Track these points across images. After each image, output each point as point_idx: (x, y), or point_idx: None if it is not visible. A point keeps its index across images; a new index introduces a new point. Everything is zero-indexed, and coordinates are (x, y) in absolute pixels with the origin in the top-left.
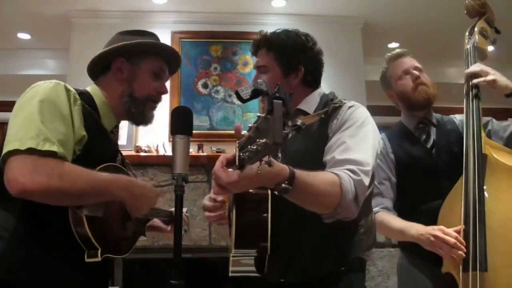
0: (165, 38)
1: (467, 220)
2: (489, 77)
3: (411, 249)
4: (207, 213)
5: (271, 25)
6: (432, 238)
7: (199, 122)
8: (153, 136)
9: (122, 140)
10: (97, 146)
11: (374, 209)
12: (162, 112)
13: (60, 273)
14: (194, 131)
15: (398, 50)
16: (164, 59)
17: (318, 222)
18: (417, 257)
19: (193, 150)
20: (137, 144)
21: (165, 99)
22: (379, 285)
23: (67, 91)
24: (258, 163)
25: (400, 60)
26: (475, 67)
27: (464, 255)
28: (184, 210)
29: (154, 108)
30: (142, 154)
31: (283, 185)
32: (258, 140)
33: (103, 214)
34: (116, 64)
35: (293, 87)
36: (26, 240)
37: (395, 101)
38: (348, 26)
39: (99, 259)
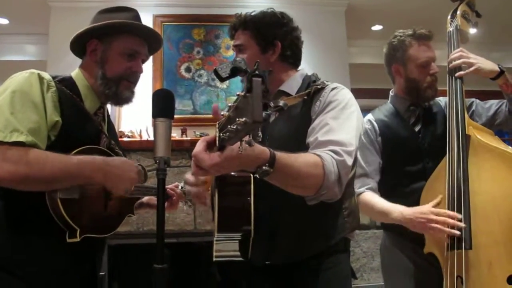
0: (146, 21)
1: (451, 200)
2: (472, 68)
3: (394, 230)
4: (187, 187)
5: (254, 8)
6: (424, 221)
7: (182, 106)
8: (136, 121)
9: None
10: (75, 130)
11: (359, 190)
12: (145, 96)
13: (44, 254)
14: (177, 116)
15: (425, 31)
16: (141, 37)
17: (302, 205)
18: (400, 238)
19: (176, 135)
20: (120, 130)
21: (148, 83)
22: (364, 266)
23: (41, 79)
24: (238, 143)
25: (427, 45)
26: (456, 54)
27: (458, 233)
28: (180, 185)
29: (130, 87)
30: (125, 139)
31: (263, 167)
32: (237, 119)
33: (80, 195)
34: (90, 46)
35: (272, 63)
36: (11, 223)
37: (396, 77)
38: (332, 9)
39: (78, 239)
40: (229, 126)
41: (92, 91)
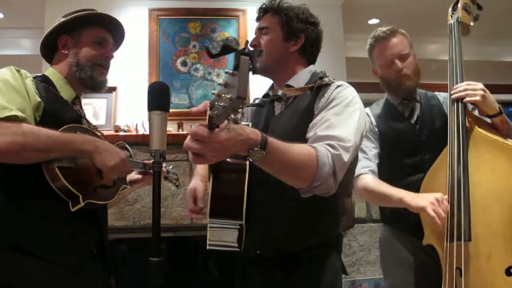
0: (142, 15)
1: (452, 191)
2: (477, 98)
3: (394, 222)
4: (187, 212)
5: (250, 2)
6: (434, 201)
7: (179, 100)
8: (133, 115)
9: (101, 120)
10: (58, 111)
11: (360, 171)
12: (141, 90)
13: (51, 227)
14: (173, 110)
15: (384, 29)
16: (106, 29)
17: (297, 198)
18: (399, 230)
19: (173, 129)
20: (116, 124)
21: (144, 77)
22: (361, 260)
23: (18, 71)
24: (226, 122)
25: (385, 44)
26: (461, 88)
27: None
28: (170, 167)
29: (103, 72)
30: (121, 133)
31: (255, 148)
32: (223, 95)
33: (76, 165)
34: (61, 41)
35: (290, 53)
36: (12, 203)
37: (377, 75)
38: (328, 2)
39: (82, 204)
40: (216, 104)
41: (67, 82)
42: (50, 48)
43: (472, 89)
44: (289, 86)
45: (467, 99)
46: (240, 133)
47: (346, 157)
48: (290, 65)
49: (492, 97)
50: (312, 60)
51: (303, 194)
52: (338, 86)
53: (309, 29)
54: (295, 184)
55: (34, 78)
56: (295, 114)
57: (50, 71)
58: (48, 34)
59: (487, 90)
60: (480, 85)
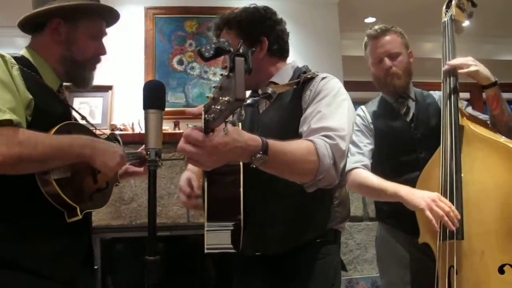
0: (138, 13)
1: (444, 189)
2: (471, 68)
3: (390, 220)
4: (181, 196)
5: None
6: (429, 201)
7: (175, 99)
8: (129, 114)
9: (97, 119)
10: (47, 107)
11: (353, 165)
12: (137, 89)
13: (44, 239)
14: (170, 109)
15: (377, 28)
16: (103, 17)
17: (291, 194)
18: (396, 228)
19: (169, 128)
20: (112, 123)
21: (140, 76)
22: (358, 258)
23: (2, 57)
24: (223, 125)
25: (376, 43)
26: (456, 61)
27: (454, 227)
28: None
29: (94, 69)
30: (117, 132)
31: (258, 155)
32: (221, 98)
33: (71, 173)
34: (52, 24)
35: (260, 60)
36: (3, 215)
37: None
38: (324, 1)
39: (79, 216)
40: (213, 107)
41: (50, 69)
42: (33, 24)
43: (465, 60)
44: (274, 83)
45: (462, 70)
46: (237, 139)
47: (343, 145)
48: (265, 69)
49: (486, 68)
50: (284, 54)
51: (308, 189)
52: (323, 78)
53: (267, 27)
54: (299, 180)
55: (14, 59)
56: (282, 110)
57: (30, 54)
58: (41, 12)
59: (479, 63)
60: (470, 58)
